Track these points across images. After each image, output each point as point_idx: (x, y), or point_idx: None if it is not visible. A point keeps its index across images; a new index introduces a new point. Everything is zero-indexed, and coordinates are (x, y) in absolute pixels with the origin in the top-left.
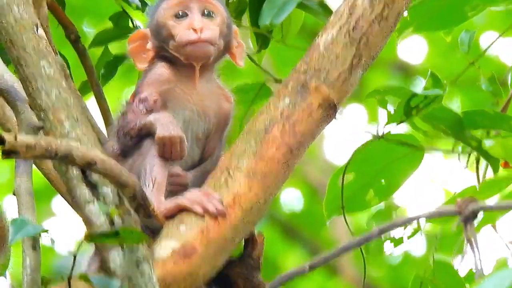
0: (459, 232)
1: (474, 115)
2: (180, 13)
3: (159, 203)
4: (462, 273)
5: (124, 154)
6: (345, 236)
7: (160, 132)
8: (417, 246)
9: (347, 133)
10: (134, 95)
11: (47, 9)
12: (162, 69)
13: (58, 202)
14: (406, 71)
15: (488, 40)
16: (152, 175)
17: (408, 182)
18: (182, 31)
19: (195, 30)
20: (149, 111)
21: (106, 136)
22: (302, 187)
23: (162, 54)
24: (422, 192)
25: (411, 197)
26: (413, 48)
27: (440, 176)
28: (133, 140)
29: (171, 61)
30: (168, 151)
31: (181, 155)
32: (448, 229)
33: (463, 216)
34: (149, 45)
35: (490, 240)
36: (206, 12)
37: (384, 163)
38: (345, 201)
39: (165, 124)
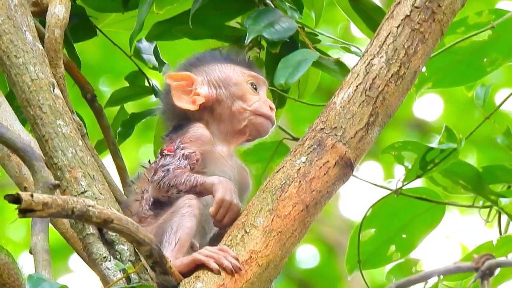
0: (478, 286)
1: (493, 170)
2: (254, 86)
3: (176, 258)
4: None
5: (156, 207)
6: None
7: (222, 194)
8: None
9: (364, 190)
10: (174, 147)
11: (63, 69)
12: (203, 130)
13: (76, 259)
14: (422, 129)
15: (503, 97)
16: (177, 235)
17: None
18: (260, 102)
19: (271, 108)
20: (192, 168)
21: (123, 193)
22: (318, 244)
23: (211, 106)
24: (439, 248)
25: (428, 252)
26: (429, 106)
27: (457, 232)
28: (180, 194)
29: (208, 122)
30: (222, 215)
31: (231, 224)
32: (466, 284)
33: (480, 272)
34: (202, 91)
35: None
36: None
37: (405, 219)
38: (366, 256)
39: (228, 190)
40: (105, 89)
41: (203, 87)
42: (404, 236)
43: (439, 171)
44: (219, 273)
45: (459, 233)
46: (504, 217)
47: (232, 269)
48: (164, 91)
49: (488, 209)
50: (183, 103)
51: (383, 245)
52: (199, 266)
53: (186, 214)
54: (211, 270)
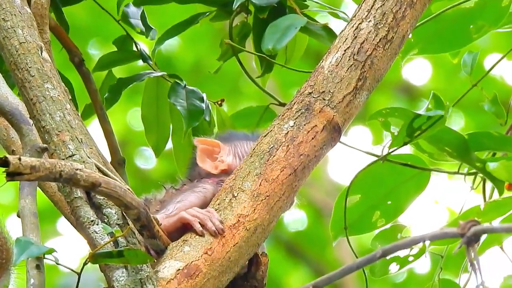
0: (464, 252)
1: (479, 137)
2: None
3: (163, 218)
4: None
5: None
6: (350, 255)
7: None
8: (421, 264)
9: (352, 154)
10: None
11: (49, 35)
12: (210, 185)
13: (64, 223)
14: (410, 93)
15: (493, 62)
16: (177, 205)
17: (413, 202)
18: None
19: None
20: None
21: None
22: (306, 208)
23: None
24: (426, 212)
25: (415, 217)
26: (417, 70)
27: (444, 196)
28: None
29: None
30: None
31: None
32: (452, 249)
33: (466, 238)
34: (227, 159)
35: (498, 258)
36: None
37: (391, 185)
38: (351, 223)
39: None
40: (95, 52)
41: (229, 156)
42: (389, 202)
43: (425, 138)
44: (202, 234)
45: (446, 197)
46: (489, 184)
47: (215, 231)
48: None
49: (473, 176)
50: (206, 165)
51: (368, 212)
52: (186, 226)
53: (195, 193)
54: (194, 231)
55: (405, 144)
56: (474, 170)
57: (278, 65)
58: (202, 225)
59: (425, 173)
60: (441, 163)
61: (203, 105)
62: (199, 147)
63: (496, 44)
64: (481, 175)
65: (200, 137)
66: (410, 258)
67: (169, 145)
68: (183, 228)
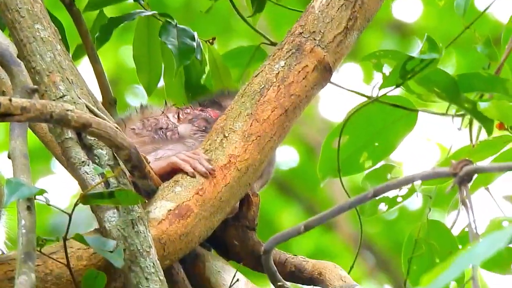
0: (454, 191)
1: (468, 78)
2: None
3: (152, 162)
4: (456, 231)
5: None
6: (341, 193)
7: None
8: (412, 202)
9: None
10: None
11: None
12: None
13: (57, 162)
14: (401, 31)
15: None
16: (169, 152)
17: (404, 140)
18: None
19: None
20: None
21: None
22: (297, 146)
23: None
24: (418, 150)
25: (407, 155)
26: (408, 7)
27: (436, 134)
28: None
29: None
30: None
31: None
32: (443, 188)
33: (458, 177)
34: None
35: (484, 199)
36: None
37: (378, 126)
38: (339, 163)
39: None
40: None
41: None
42: (376, 144)
43: (416, 79)
44: (194, 176)
45: (438, 135)
46: (476, 127)
47: (205, 172)
48: None
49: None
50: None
51: (355, 153)
52: (176, 171)
53: (189, 143)
54: (186, 173)
55: (398, 86)
56: (462, 112)
57: (270, 2)
58: (193, 168)
59: (413, 114)
60: (429, 104)
61: (194, 43)
62: None
63: None
64: (468, 116)
65: None
66: (399, 199)
67: (161, 83)
68: (173, 173)
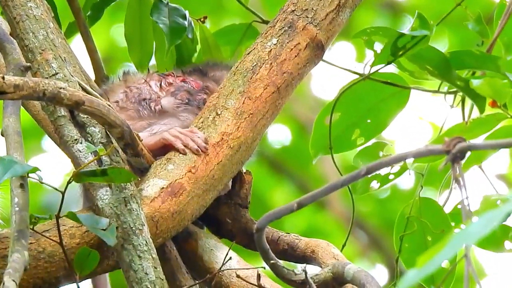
0: (446, 169)
1: (460, 55)
2: None
3: (145, 138)
4: (448, 209)
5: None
6: (334, 170)
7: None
8: (405, 181)
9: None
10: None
11: None
12: None
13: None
14: (393, 9)
15: None
16: (163, 128)
17: (396, 119)
18: None
19: None
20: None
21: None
22: (289, 123)
23: None
24: (410, 128)
25: (399, 133)
26: None
27: (428, 113)
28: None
29: None
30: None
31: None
32: (435, 165)
33: (451, 155)
34: None
35: (477, 177)
36: None
37: (370, 103)
38: (331, 141)
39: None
40: None
41: None
42: (368, 121)
43: (408, 56)
44: (185, 153)
45: (430, 113)
46: (468, 105)
47: (197, 149)
48: None
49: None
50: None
51: (347, 130)
52: (168, 147)
53: (180, 121)
54: (177, 150)
55: (389, 63)
56: (454, 89)
57: None
58: (185, 145)
59: (405, 91)
60: (422, 81)
61: (186, 22)
62: None
63: None
64: (461, 93)
65: None
66: (391, 176)
67: (153, 61)
68: (165, 148)
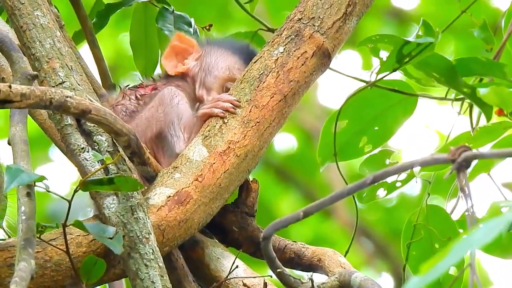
0: (453, 177)
1: (467, 62)
2: (229, 86)
3: (190, 115)
4: (455, 216)
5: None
6: (340, 179)
7: None
8: (411, 189)
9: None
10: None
11: None
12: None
13: (55, 150)
14: (400, 18)
15: None
16: (180, 126)
17: (403, 127)
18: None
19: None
20: None
21: (101, 85)
22: (296, 132)
23: (185, 77)
24: (417, 137)
25: (406, 142)
26: None
27: (434, 120)
28: None
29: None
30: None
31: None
32: (442, 173)
33: (456, 164)
34: (191, 63)
35: (485, 184)
36: None
37: (378, 110)
38: (339, 148)
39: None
40: None
41: (194, 61)
42: (376, 128)
43: (414, 63)
44: (224, 116)
45: (436, 121)
46: (476, 111)
47: (231, 107)
48: None
49: (460, 102)
50: (166, 63)
51: (355, 137)
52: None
53: (180, 104)
54: (217, 115)
55: (395, 70)
56: (461, 96)
57: None
58: (220, 108)
59: (412, 98)
60: (429, 89)
61: (191, 30)
62: (172, 42)
63: None
64: (468, 100)
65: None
66: (398, 184)
67: (158, 70)
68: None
